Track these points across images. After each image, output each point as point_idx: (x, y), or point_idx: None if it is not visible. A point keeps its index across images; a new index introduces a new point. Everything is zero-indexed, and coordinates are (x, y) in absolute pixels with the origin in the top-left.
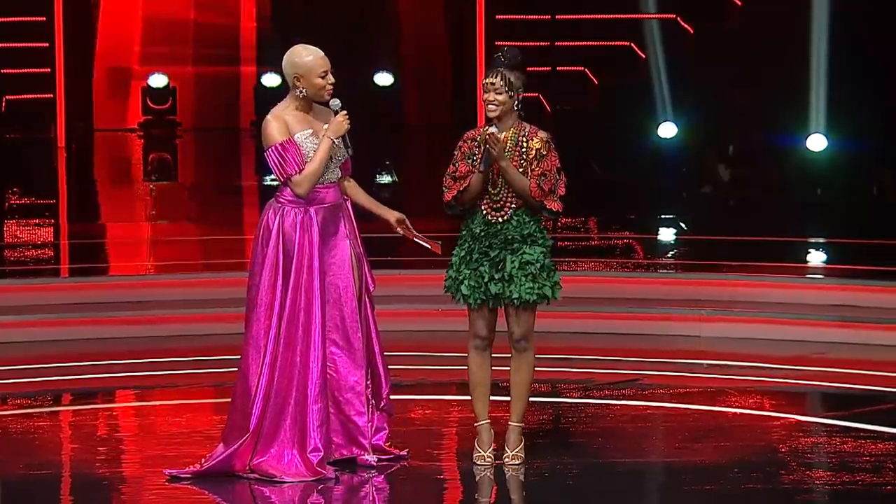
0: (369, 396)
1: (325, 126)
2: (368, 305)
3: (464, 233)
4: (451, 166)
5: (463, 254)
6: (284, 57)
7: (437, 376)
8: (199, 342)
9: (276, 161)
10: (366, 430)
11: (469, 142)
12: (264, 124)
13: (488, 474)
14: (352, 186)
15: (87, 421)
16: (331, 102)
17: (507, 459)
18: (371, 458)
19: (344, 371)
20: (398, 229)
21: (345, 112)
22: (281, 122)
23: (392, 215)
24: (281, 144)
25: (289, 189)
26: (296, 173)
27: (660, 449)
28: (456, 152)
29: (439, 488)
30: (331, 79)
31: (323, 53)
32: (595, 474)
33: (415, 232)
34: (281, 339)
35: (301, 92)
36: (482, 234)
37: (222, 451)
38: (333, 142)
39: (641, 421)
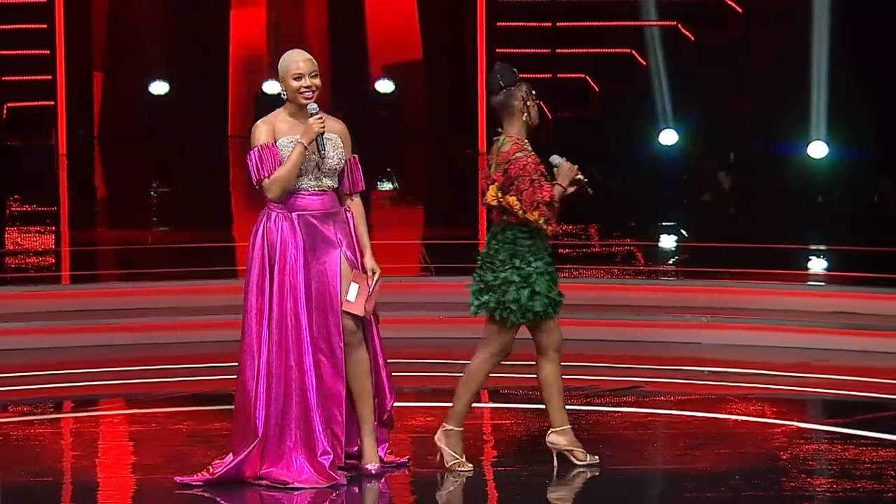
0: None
1: (329, 135)
2: (373, 317)
3: (540, 264)
4: (540, 192)
5: (548, 277)
6: None
7: (438, 383)
8: (199, 349)
9: (253, 164)
10: (342, 439)
11: (539, 165)
12: (252, 128)
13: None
14: (356, 209)
15: (88, 428)
16: (308, 106)
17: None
18: (371, 467)
19: (327, 379)
20: (362, 274)
21: (318, 116)
22: (268, 127)
23: (369, 263)
24: (259, 148)
25: None
26: (267, 177)
27: (661, 456)
28: (534, 176)
29: (440, 496)
30: (307, 82)
31: (304, 56)
32: (596, 481)
33: (371, 288)
34: (273, 345)
35: (283, 95)
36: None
37: (231, 459)
38: (305, 147)
39: (643, 428)
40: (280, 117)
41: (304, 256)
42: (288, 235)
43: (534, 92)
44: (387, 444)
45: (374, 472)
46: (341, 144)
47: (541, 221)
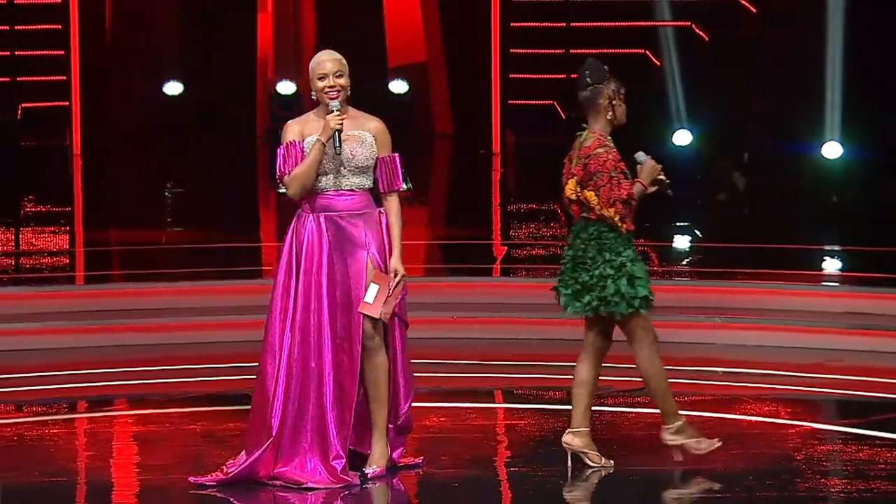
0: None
1: (354, 132)
2: (397, 320)
3: (630, 252)
4: (617, 189)
5: (641, 264)
6: None
7: (452, 384)
8: (213, 349)
9: (278, 161)
10: (347, 442)
11: (619, 162)
12: (284, 126)
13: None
14: (389, 208)
15: (102, 428)
16: (330, 104)
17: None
18: (370, 471)
19: (345, 380)
20: (385, 276)
21: (337, 113)
22: (299, 126)
23: (394, 264)
24: (286, 145)
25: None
26: (288, 174)
27: (675, 456)
28: (613, 173)
29: (453, 496)
30: (331, 81)
31: (331, 57)
32: (610, 482)
33: (391, 290)
34: (295, 345)
35: (313, 96)
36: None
37: (245, 458)
38: (324, 144)
39: (657, 428)
40: (311, 117)
41: (330, 258)
42: (314, 236)
43: (622, 91)
44: (402, 449)
45: (369, 475)
46: (372, 143)
47: (616, 219)
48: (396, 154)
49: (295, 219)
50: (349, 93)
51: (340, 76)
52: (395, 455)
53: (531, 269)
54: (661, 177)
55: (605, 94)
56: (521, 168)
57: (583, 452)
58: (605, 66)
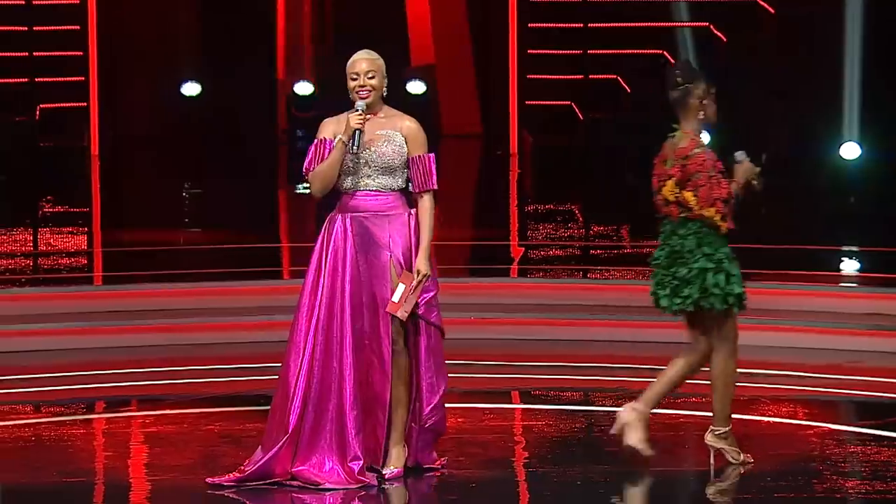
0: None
1: (382, 132)
2: (422, 322)
3: (727, 250)
4: (717, 189)
5: (737, 263)
6: None
7: (469, 384)
8: (231, 350)
9: (307, 157)
10: (382, 443)
11: (717, 162)
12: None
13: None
14: (420, 208)
15: (120, 429)
16: (357, 104)
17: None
18: (387, 472)
19: (376, 382)
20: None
21: (359, 112)
22: (333, 124)
23: (417, 264)
24: (315, 142)
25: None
26: (311, 171)
27: (692, 457)
28: (712, 172)
29: (471, 497)
30: (362, 81)
31: (365, 56)
32: (627, 483)
33: (414, 287)
34: (318, 345)
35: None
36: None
37: (261, 455)
38: (345, 143)
39: (674, 429)
40: (347, 115)
41: (355, 258)
42: (340, 236)
43: (713, 91)
44: (430, 451)
45: (387, 476)
46: (402, 142)
47: (716, 218)
48: (431, 154)
49: (328, 218)
50: (384, 94)
51: (372, 77)
52: (421, 457)
53: (549, 269)
54: (755, 181)
55: (695, 93)
56: (538, 169)
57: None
58: (697, 67)
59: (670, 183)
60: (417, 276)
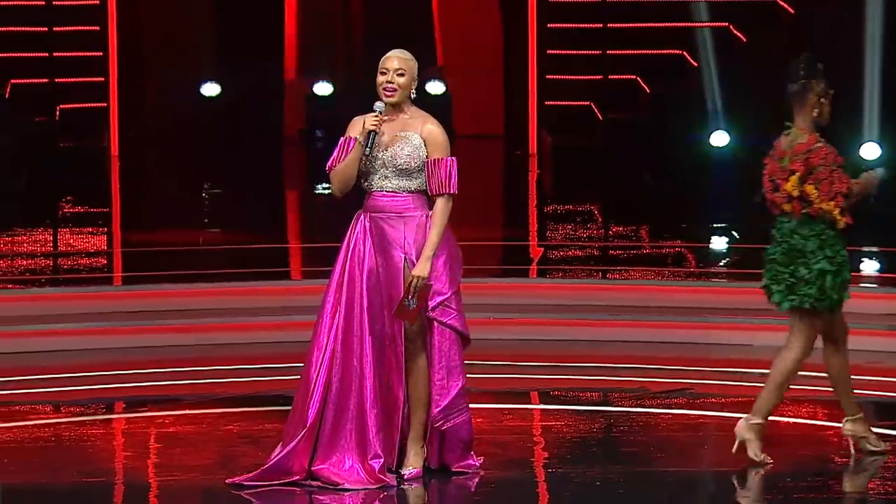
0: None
1: (401, 133)
2: (436, 325)
3: (846, 252)
4: (839, 183)
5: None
6: None
7: (488, 384)
8: (250, 350)
9: (332, 155)
10: (396, 444)
11: (837, 157)
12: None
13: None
14: (434, 210)
15: (140, 429)
16: (376, 104)
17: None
18: (406, 473)
19: (393, 383)
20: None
21: (376, 114)
22: (359, 122)
23: (416, 268)
24: (341, 140)
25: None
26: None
27: (711, 458)
28: (834, 167)
29: (489, 497)
30: (389, 77)
31: (396, 54)
32: (646, 483)
33: (409, 291)
34: (339, 343)
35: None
36: None
37: (279, 451)
38: (361, 143)
39: (693, 430)
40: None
41: (373, 258)
42: (361, 236)
43: (831, 91)
44: (460, 454)
45: (406, 477)
46: (420, 144)
47: (836, 212)
48: (453, 158)
49: (354, 217)
50: (412, 95)
51: (402, 74)
52: (449, 459)
53: (568, 270)
54: (872, 191)
55: (815, 90)
56: (557, 169)
57: (862, 437)
58: (820, 64)
59: (794, 178)
60: (413, 279)
